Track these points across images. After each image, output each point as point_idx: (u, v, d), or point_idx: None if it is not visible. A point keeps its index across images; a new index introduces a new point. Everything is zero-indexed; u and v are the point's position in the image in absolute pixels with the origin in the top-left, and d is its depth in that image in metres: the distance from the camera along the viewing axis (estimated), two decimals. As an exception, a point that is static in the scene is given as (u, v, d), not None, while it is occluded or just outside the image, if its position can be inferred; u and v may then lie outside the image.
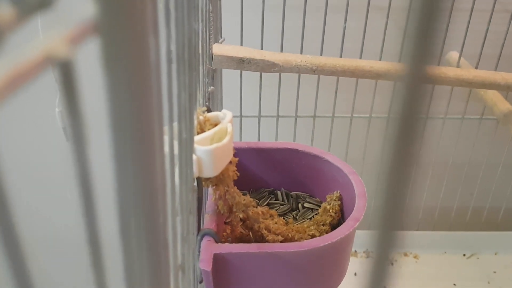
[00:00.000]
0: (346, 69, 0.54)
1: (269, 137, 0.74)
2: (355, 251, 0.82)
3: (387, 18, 0.67)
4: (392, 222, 0.13)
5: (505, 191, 0.83)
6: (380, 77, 0.54)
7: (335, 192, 0.49)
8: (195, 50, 0.36)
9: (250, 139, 0.71)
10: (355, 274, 0.77)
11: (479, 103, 0.71)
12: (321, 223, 0.47)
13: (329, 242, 0.40)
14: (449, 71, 0.55)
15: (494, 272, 0.80)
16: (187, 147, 0.34)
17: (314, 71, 0.54)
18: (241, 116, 0.71)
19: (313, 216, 0.50)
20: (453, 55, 0.71)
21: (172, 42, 0.23)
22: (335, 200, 0.48)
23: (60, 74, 0.10)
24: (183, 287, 0.33)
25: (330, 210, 0.48)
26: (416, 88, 0.11)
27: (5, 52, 0.09)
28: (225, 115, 0.41)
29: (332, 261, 0.43)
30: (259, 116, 0.72)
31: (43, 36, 0.10)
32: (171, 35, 0.22)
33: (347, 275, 0.79)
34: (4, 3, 0.10)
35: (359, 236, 0.84)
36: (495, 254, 0.83)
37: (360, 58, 0.68)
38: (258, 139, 0.73)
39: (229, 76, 0.68)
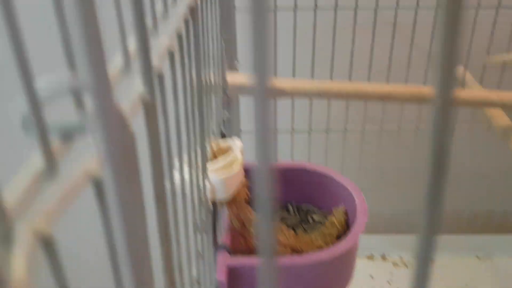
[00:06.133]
0: (350, 93, 0.58)
1: (284, 152, 0.79)
2: (372, 254, 0.86)
3: (393, 37, 0.72)
4: (433, 227, 0.14)
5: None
6: (383, 98, 0.58)
7: (341, 206, 0.54)
8: (206, 90, 0.41)
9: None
10: (372, 277, 0.82)
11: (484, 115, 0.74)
12: (328, 235, 0.52)
13: (333, 256, 0.45)
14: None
15: (508, 274, 0.83)
16: (200, 174, 0.39)
17: (320, 95, 0.59)
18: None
19: (321, 229, 0.55)
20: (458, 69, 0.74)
21: (179, 104, 0.28)
22: (341, 214, 0.53)
23: (96, 190, 0.15)
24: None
25: (337, 224, 0.53)
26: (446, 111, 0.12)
27: (58, 175, 0.15)
28: (235, 145, 0.47)
29: (337, 271, 0.48)
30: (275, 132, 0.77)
31: (81, 159, 0.16)
32: (178, 99, 0.28)
33: (364, 278, 0.83)
34: (53, 136, 0.16)
35: (375, 240, 0.88)
36: (509, 257, 0.86)
37: (369, 75, 0.73)
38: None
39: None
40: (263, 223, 0.13)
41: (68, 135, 0.16)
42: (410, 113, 0.79)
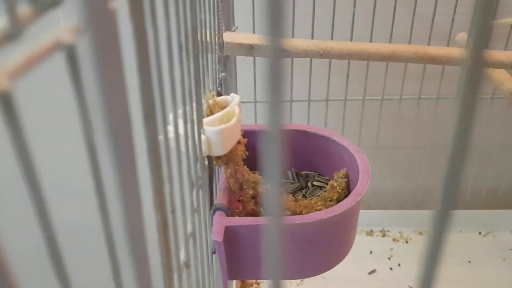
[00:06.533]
0: (352, 52, 0.56)
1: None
2: (371, 230, 0.84)
3: (395, 1, 0.69)
4: (452, 203, 0.14)
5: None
6: (386, 59, 0.56)
7: (342, 170, 0.52)
8: (201, 38, 0.39)
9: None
10: (371, 252, 0.80)
11: (489, 82, 0.72)
12: (328, 199, 0.50)
13: (333, 214, 0.43)
14: (454, 52, 0.56)
15: (510, 249, 0.81)
16: (195, 128, 0.37)
17: (321, 55, 0.56)
18: (255, 101, 0.74)
19: (321, 193, 0.53)
20: (463, 36, 0.72)
21: (172, 31, 0.26)
22: (341, 178, 0.51)
23: (66, 56, 0.13)
24: (195, 253, 0.36)
25: (337, 187, 0.50)
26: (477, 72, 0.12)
27: (23, 40, 0.12)
28: (233, 99, 0.44)
29: (337, 233, 0.46)
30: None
31: (52, 28, 0.13)
32: (171, 25, 0.25)
33: (363, 253, 0.81)
34: (23, 2, 0.14)
35: (375, 216, 0.86)
36: (511, 232, 0.84)
37: (370, 41, 0.70)
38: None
39: (243, 63, 0.71)
40: (271, 187, 0.13)
41: (39, 5, 0.14)
42: (412, 83, 0.76)
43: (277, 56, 0.11)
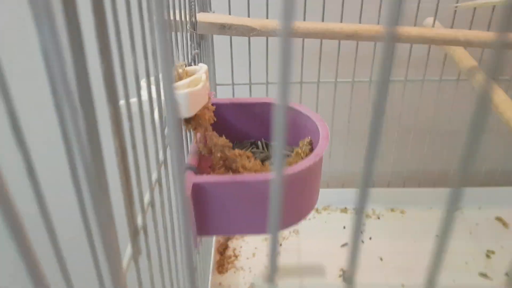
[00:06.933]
0: (318, 31, 0.60)
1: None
2: (345, 207, 0.88)
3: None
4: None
5: (485, 150, 0.88)
6: (349, 37, 0.60)
7: (306, 138, 0.56)
8: (175, 14, 0.43)
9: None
10: (344, 227, 0.84)
11: (455, 65, 0.76)
12: (293, 163, 0.54)
13: (293, 172, 0.47)
14: (412, 30, 0.60)
15: (477, 224, 0.85)
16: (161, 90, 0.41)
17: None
18: (233, 84, 0.78)
19: (287, 159, 0.57)
20: (430, 20, 0.76)
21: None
22: (306, 145, 0.55)
23: None
24: (162, 200, 0.40)
25: (302, 154, 0.54)
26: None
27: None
28: (201, 68, 0.48)
29: (298, 191, 0.50)
30: (250, 84, 0.78)
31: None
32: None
33: (337, 228, 0.85)
34: None
35: (349, 194, 0.90)
36: (479, 208, 0.88)
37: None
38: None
39: (222, 48, 0.75)
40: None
41: None
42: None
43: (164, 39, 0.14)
